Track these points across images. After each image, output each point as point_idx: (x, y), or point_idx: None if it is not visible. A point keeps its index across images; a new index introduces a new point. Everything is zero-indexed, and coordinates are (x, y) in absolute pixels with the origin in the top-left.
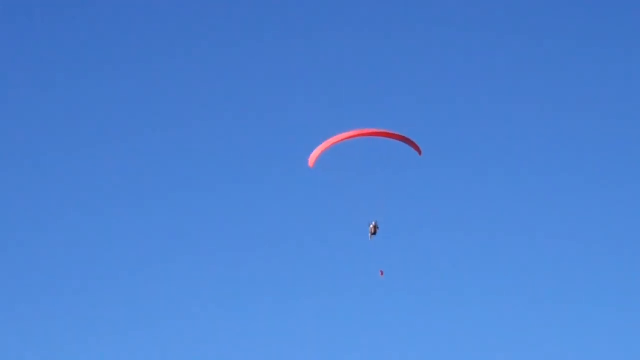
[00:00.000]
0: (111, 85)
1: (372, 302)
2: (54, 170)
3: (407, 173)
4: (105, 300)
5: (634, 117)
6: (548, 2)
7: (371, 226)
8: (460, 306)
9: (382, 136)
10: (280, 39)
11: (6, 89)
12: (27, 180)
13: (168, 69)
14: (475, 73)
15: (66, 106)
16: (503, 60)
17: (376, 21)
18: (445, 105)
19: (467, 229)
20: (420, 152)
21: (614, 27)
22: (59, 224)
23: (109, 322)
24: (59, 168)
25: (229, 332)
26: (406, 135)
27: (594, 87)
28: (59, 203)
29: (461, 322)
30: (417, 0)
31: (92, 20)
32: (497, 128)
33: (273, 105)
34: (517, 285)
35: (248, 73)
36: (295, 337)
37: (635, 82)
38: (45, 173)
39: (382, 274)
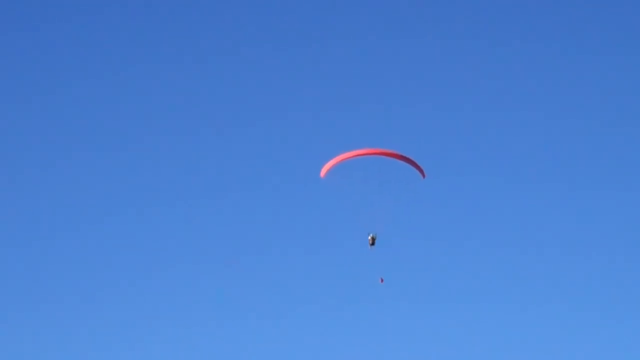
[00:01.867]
0: (115, 88)
1: (372, 308)
2: (55, 172)
3: (409, 190)
4: (105, 304)
5: (633, 119)
6: (547, 4)
7: (370, 237)
8: (458, 313)
9: (391, 157)
10: (288, 47)
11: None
12: (29, 183)
13: (169, 73)
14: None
15: (67, 110)
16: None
17: (389, 32)
18: (445, 116)
19: (463, 240)
20: (424, 176)
21: (613, 28)
22: (59, 227)
23: (109, 326)
24: (60, 171)
25: (229, 337)
26: (413, 159)
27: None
28: (61, 206)
29: (458, 328)
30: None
31: (98, 23)
32: (493, 138)
33: (278, 110)
34: (514, 293)
35: (254, 79)
36: (296, 342)
37: (635, 84)
38: (47, 176)
39: (382, 281)
